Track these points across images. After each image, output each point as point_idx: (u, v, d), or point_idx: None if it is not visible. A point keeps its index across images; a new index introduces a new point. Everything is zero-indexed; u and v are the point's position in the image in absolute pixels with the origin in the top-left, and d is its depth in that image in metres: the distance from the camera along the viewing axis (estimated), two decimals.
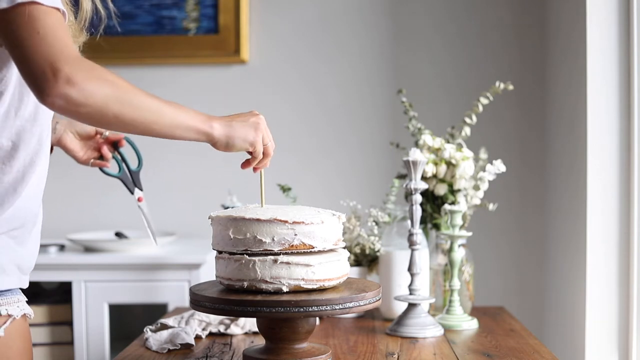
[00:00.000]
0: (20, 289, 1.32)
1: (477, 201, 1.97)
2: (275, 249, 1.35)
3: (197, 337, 1.70)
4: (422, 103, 2.45)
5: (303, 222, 1.35)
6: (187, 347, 1.61)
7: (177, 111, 1.23)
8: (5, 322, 1.26)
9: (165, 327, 1.73)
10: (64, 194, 2.64)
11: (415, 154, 1.71)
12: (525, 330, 1.80)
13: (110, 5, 1.42)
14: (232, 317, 1.74)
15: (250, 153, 1.38)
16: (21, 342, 1.30)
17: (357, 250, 1.96)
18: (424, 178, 1.94)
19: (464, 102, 2.47)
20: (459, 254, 1.82)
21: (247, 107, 2.64)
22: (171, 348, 1.60)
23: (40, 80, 1.10)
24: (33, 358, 1.36)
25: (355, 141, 2.64)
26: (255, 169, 1.43)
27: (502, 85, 2.02)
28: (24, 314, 1.31)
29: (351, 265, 1.93)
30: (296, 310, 1.32)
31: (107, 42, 2.64)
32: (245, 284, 1.36)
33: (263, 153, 1.39)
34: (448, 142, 2.04)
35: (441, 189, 1.95)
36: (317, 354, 1.42)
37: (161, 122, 1.20)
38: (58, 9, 1.15)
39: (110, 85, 1.14)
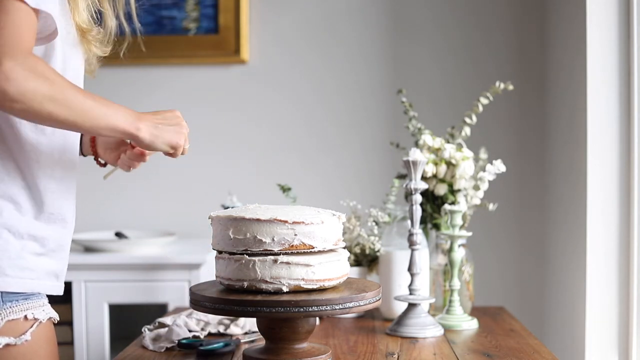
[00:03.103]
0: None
1: (477, 201, 1.97)
2: (275, 249, 1.35)
3: (196, 337, 1.70)
4: (422, 103, 2.45)
5: (303, 222, 1.35)
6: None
7: (108, 111, 1.22)
8: (31, 326, 1.26)
9: (163, 326, 1.72)
10: None
11: (415, 154, 1.71)
12: (525, 330, 1.80)
13: (137, 24, 1.44)
14: (231, 317, 1.73)
15: (168, 153, 1.35)
16: (47, 345, 1.30)
17: (357, 250, 1.96)
18: (424, 178, 1.94)
19: (465, 102, 2.47)
20: (459, 254, 1.82)
21: (247, 106, 2.66)
22: (168, 346, 1.60)
23: None
24: None
25: (356, 141, 2.64)
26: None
27: (502, 85, 2.02)
28: (50, 318, 1.31)
29: (351, 265, 1.93)
30: (296, 310, 1.32)
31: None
32: (245, 284, 1.36)
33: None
34: (448, 142, 2.04)
35: (441, 189, 1.95)
36: (317, 354, 1.42)
37: (90, 122, 1.20)
38: (37, 10, 1.15)
39: (49, 85, 1.14)
